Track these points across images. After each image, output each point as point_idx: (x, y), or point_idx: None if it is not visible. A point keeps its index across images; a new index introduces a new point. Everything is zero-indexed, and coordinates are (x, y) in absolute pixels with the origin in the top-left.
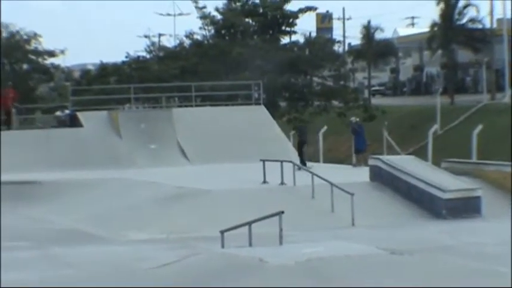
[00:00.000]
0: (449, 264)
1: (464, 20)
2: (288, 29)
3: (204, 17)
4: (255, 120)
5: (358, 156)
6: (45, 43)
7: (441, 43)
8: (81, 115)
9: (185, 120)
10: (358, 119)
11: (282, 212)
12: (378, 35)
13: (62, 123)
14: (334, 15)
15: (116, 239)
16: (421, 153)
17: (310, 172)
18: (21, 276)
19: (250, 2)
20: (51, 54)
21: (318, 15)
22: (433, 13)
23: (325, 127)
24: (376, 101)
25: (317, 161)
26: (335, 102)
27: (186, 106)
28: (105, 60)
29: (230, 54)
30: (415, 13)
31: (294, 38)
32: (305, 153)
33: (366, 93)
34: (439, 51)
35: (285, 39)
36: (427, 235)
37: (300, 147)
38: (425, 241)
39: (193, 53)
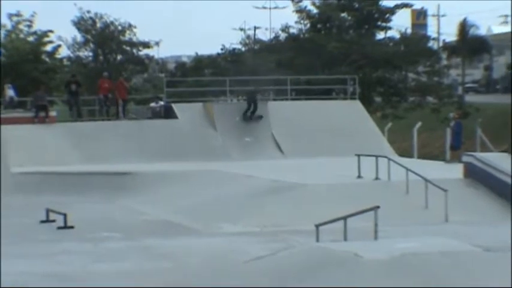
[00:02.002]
0: None
1: None
2: (383, 24)
3: (299, 10)
4: (349, 115)
5: (453, 153)
6: (140, 34)
7: None
8: (175, 107)
9: (280, 114)
10: (456, 115)
11: (378, 207)
12: (473, 32)
13: (156, 115)
14: (429, 12)
15: (210, 232)
16: None
17: (406, 168)
18: (116, 267)
19: None
20: (146, 45)
21: (413, 11)
22: None
23: (420, 123)
24: (469, 98)
25: (411, 156)
26: (429, 98)
27: (281, 100)
28: (200, 53)
29: (325, 49)
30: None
31: (389, 33)
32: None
33: (460, 90)
34: None
35: (380, 35)
36: None
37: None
38: None
39: (289, 47)
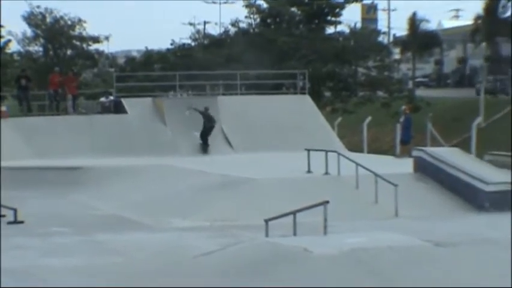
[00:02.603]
0: (494, 257)
1: (508, 13)
2: (333, 19)
3: (249, 5)
4: (299, 110)
5: (402, 147)
6: (90, 29)
7: (485, 36)
8: (125, 102)
9: (230, 109)
10: (407, 109)
11: (327, 202)
12: (423, 27)
13: (106, 110)
14: (379, 6)
15: (159, 227)
16: (464, 146)
17: (355, 162)
18: (62, 262)
19: None
20: (96, 40)
21: (363, 5)
22: (477, 6)
23: (370, 117)
24: (420, 92)
25: (361, 151)
26: (379, 93)
27: (231, 94)
28: (150, 47)
29: (275, 43)
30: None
31: (339, 28)
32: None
33: (410, 84)
34: (483, 44)
35: (330, 29)
36: (470, 227)
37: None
38: (468, 233)
39: (239, 42)
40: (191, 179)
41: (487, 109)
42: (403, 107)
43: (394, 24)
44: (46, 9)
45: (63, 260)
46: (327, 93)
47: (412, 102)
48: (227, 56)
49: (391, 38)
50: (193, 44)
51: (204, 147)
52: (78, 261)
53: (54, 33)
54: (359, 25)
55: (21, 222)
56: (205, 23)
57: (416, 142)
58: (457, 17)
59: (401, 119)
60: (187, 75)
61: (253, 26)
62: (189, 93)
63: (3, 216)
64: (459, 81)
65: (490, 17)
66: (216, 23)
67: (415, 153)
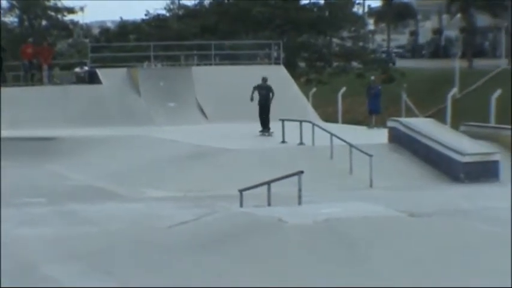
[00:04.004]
0: (467, 228)
1: None
2: None
3: None
4: (273, 80)
5: (371, 118)
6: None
7: (460, 7)
8: (100, 72)
9: (204, 79)
10: (376, 80)
11: (302, 172)
12: None
13: (80, 80)
14: None
15: (133, 197)
16: (439, 117)
17: (330, 133)
18: (36, 232)
19: None
20: (70, 10)
21: None
22: None
23: (344, 88)
24: (395, 62)
25: (336, 121)
26: (354, 64)
27: (205, 65)
28: (124, 18)
29: (250, 13)
30: None
31: None
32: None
33: (385, 55)
34: (458, 15)
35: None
36: (444, 198)
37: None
38: (443, 204)
39: (213, 12)
40: (165, 149)
41: (462, 80)
42: (372, 78)
43: None
44: None
45: (36, 230)
46: (302, 64)
47: (386, 72)
48: (202, 26)
49: (366, 9)
50: (168, 14)
51: (265, 130)
52: (51, 231)
53: (29, 4)
54: None
55: None
56: None
57: (391, 113)
58: None
59: (371, 90)
60: (162, 46)
61: None
62: (163, 63)
63: None
64: (434, 52)
65: None
66: None
67: (389, 123)
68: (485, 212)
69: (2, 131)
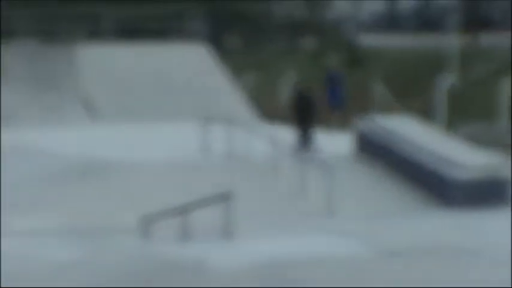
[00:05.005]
0: (469, 273)
1: None
2: None
3: None
4: (193, 64)
5: (333, 115)
6: None
7: None
8: None
9: (95, 63)
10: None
11: (231, 193)
12: None
13: None
14: None
15: None
16: (428, 115)
17: (271, 137)
18: None
19: None
20: None
21: None
22: None
23: (293, 74)
24: (365, 39)
25: (279, 120)
26: (307, 40)
27: (96, 43)
28: None
29: None
30: None
31: None
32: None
33: (351, 27)
34: None
35: None
36: (434, 230)
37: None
38: (432, 239)
39: None
40: (37, 161)
41: (463, 64)
42: (332, 62)
43: None
44: None
45: None
46: (233, 41)
47: (352, 52)
48: None
49: None
50: None
51: (305, 147)
52: None
53: None
54: None
55: None
56: None
57: (358, 109)
58: None
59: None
60: (35, 15)
61: None
62: (36, 39)
63: None
64: (421, 24)
65: None
66: None
67: (357, 124)
68: (493, 251)
69: None
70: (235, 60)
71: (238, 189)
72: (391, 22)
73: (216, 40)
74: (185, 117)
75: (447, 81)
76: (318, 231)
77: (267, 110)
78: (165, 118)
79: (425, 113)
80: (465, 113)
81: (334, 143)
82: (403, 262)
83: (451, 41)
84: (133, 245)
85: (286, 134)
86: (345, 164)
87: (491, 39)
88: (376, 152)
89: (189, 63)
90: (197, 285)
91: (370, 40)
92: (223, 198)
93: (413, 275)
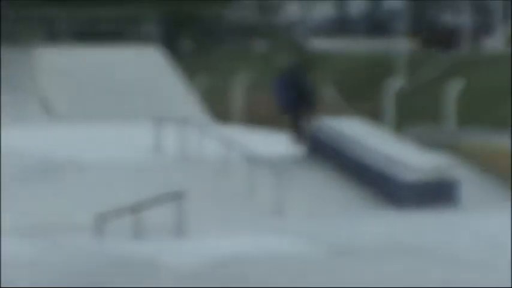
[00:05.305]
0: (415, 272)
1: None
2: None
3: None
4: (147, 66)
5: (284, 118)
6: None
7: None
8: None
9: (52, 65)
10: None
11: (184, 192)
12: None
13: None
14: None
15: None
16: (377, 117)
17: (224, 138)
18: None
19: None
20: None
21: None
22: None
23: (244, 76)
24: (316, 42)
25: (233, 122)
26: (258, 43)
27: (53, 45)
28: None
29: None
30: None
31: None
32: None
33: (301, 30)
34: None
35: None
36: (382, 230)
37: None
38: (379, 238)
39: None
40: None
41: (411, 67)
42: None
43: None
44: None
45: None
46: (186, 44)
47: (302, 55)
48: None
49: None
50: None
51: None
52: None
53: None
54: None
55: None
56: None
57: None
58: None
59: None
60: None
61: None
62: None
63: None
64: (371, 27)
65: None
66: None
67: (305, 125)
68: (441, 250)
69: None
70: (188, 63)
71: (190, 189)
72: (341, 26)
73: (169, 43)
74: (139, 118)
75: (396, 85)
76: (267, 231)
77: (219, 111)
78: (120, 118)
79: (375, 115)
80: (413, 116)
81: (285, 144)
82: (351, 261)
83: (400, 45)
84: (87, 243)
85: (239, 135)
86: (295, 165)
87: (439, 43)
88: (327, 153)
89: (143, 65)
90: (149, 281)
91: (320, 44)
92: (175, 197)
93: (362, 273)
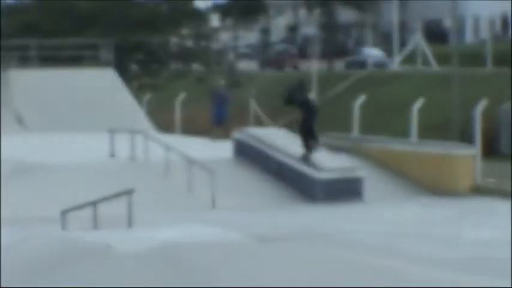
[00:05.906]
0: (324, 254)
1: None
2: None
3: None
4: (102, 85)
5: (215, 128)
6: None
7: (319, 1)
8: None
9: (24, 85)
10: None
11: (132, 190)
12: None
13: None
14: None
15: None
16: (294, 127)
17: (166, 145)
18: None
19: None
20: None
21: None
22: None
23: (184, 94)
24: (243, 65)
25: (174, 132)
26: (195, 66)
27: (25, 68)
28: None
29: (76, 9)
30: None
31: None
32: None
33: (232, 55)
34: (317, 10)
35: None
36: (300, 220)
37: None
38: (298, 227)
39: (36, 7)
40: None
41: (322, 84)
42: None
43: None
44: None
45: None
46: (135, 67)
47: (232, 76)
48: (25, 24)
49: (210, 4)
50: None
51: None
52: None
53: None
54: None
55: None
56: None
57: (238, 123)
58: None
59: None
60: None
61: None
62: None
63: None
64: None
65: None
66: None
67: (235, 135)
68: (347, 235)
69: None
70: (137, 83)
71: (139, 187)
72: (264, 51)
73: (121, 66)
74: (97, 129)
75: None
76: (202, 222)
77: (162, 122)
78: (81, 129)
79: (291, 126)
80: (324, 125)
81: (218, 150)
82: (271, 246)
83: (312, 65)
84: (53, 233)
85: (179, 142)
86: (225, 167)
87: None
88: (252, 157)
89: (100, 85)
90: (104, 263)
91: (247, 65)
92: (127, 194)
93: (281, 256)
